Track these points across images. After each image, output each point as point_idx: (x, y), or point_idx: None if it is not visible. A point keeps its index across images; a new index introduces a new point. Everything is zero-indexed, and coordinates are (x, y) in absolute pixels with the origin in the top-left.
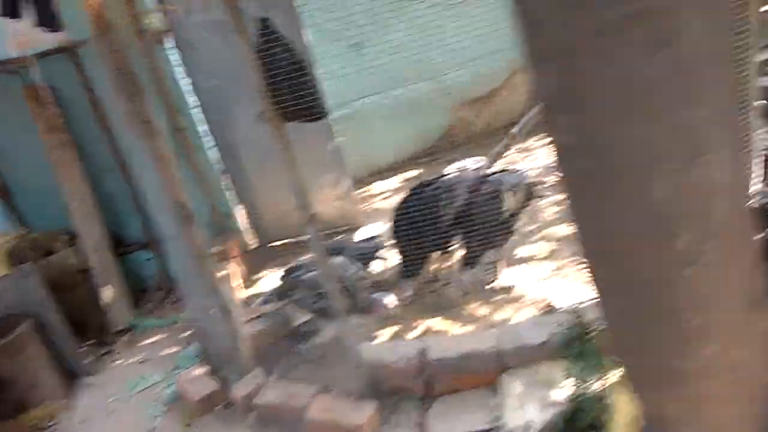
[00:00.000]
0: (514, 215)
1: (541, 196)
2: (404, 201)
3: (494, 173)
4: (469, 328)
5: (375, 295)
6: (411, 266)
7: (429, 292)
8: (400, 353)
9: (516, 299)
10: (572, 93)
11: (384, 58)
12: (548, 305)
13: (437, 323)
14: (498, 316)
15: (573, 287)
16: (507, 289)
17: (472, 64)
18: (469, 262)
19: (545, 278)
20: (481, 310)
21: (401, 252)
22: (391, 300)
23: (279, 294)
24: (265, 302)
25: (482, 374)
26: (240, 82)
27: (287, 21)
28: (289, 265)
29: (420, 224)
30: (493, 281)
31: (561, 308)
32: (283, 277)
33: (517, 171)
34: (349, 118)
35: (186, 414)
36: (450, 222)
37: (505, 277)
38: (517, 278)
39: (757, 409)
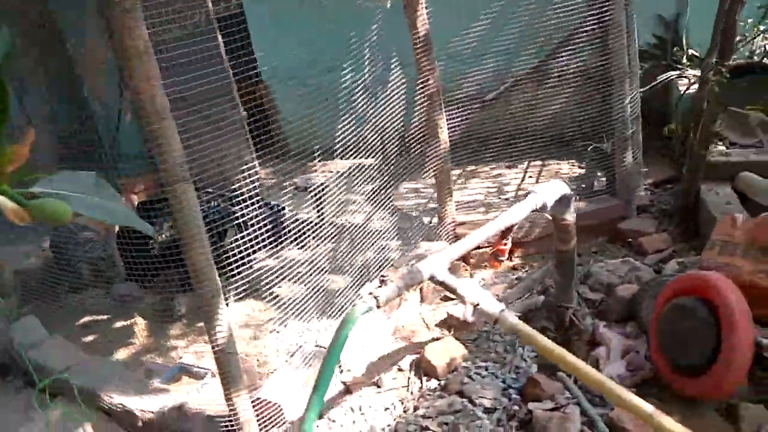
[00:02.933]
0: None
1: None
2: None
3: (229, 204)
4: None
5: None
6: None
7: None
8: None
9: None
10: None
11: None
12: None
13: (139, 327)
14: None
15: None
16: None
17: None
18: (183, 287)
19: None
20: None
21: (127, 263)
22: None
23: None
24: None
25: None
26: None
27: None
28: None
29: (141, 242)
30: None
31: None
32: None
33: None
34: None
35: None
36: (167, 245)
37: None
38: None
39: None
